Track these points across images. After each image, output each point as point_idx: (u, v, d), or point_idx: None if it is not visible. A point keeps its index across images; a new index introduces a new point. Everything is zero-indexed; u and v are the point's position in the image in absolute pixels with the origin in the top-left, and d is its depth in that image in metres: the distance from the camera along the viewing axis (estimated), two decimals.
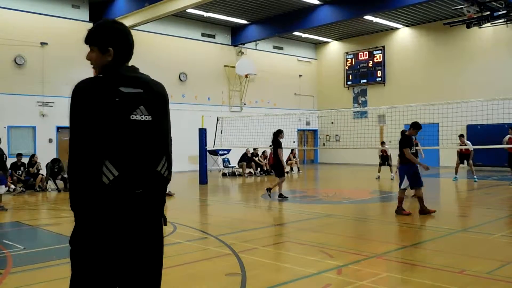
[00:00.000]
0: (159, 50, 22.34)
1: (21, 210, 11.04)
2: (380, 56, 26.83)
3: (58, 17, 19.53)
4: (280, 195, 12.09)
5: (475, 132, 20.69)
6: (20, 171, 15.50)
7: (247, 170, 20.95)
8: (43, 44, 18.99)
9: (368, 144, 17.40)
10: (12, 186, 14.75)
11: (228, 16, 23.30)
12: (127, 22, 19.17)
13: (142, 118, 2.42)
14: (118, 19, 19.28)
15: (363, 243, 7.37)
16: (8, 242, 7.28)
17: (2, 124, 17.66)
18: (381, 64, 26.75)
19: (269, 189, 12.42)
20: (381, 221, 9.49)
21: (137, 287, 2.48)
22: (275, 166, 12.58)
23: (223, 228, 8.82)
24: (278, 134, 12.26)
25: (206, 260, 6.52)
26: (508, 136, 14.94)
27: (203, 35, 24.54)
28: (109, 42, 2.53)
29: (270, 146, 13.09)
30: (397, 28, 26.13)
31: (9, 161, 15.79)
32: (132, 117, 2.39)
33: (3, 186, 10.81)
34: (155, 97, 2.52)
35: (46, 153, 17.42)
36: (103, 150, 2.33)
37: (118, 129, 2.35)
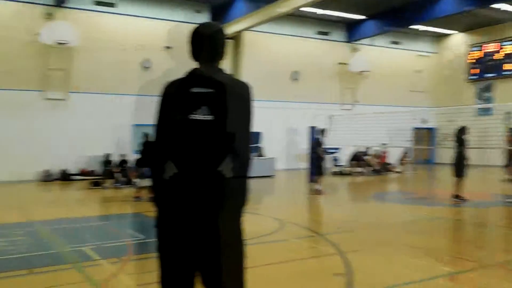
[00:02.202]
0: (273, 50, 22.70)
1: (143, 202, 11.93)
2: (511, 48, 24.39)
3: (181, 22, 20.75)
4: (457, 196, 10.96)
5: None
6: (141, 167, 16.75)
7: (358, 169, 20.45)
8: (167, 48, 20.35)
9: (493, 143, 15.94)
10: (135, 180, 16.01)
11: (344, 12, 22.86)
12: (245, 23, 19.79)
13: (202, 117, 2.46)
14: (236, 21, 20.03)
15: (480, 250, 6.77)
16: (131, 232, 7.92)
17: (128, 123, 19.23)
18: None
19: (457, 196, 11.00)
20: (502, 227, 8.64)
21: (210, 277, 2.55)
22: (456, 165, 11.21)
23: (330, 227, 8.70)
24: (462, 131, 11.23)
25: (312, 258, 6.49)
26: None
27: (318, 33, 24.42)
28: (189, 45, 2.72)
29: (383, 144, 12.55)
30: None
31: (133, 157, 17.22)
32: (192, 116, 2.47)
33: (145, 179, 11.75)
34: (225, 97, 2.51)
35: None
36: (167, 148, 2.50)
37: (179, 128, 2.47)
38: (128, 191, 14.62)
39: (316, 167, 13.19)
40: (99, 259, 6.09)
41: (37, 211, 10.30)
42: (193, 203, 2.46)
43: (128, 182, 16.00)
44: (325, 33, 24.66)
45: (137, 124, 19.25)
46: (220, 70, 2.66)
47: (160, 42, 20.23)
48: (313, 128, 16.92)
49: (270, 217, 9.26)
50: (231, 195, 2.53)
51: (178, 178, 2.47)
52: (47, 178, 17.40)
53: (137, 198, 11.83)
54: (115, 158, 16.88)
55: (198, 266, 2.55)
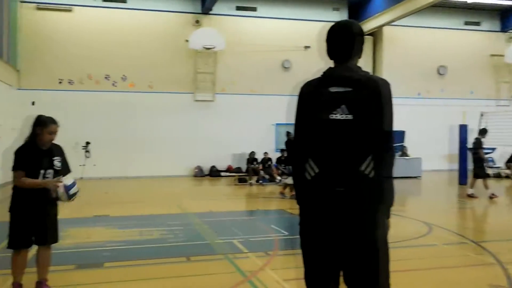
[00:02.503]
0: (417, 44, 21.59)
1: (285, 199, 12.21)
2: None
3: (319, 21, 20.84)
4: None
5: None
6: (283, 165, 17.17)
7: None
8: (306, 47, 20.59)
9: None
10: (279, 178, 16.49)
11: None
12: (385, 18, 19.17)
13: (342, 117, 2.43)
14: (375, 17, 19.51)
15: None
16: (275, 227, 8.16)
17: (270, 122, 19.89)
18: None
19: None
20: None
21: (354, 277, 2.51)
22: None
23: (485, 234, 8.00)
24: None
25: (465, 267, 6.03)
26: None
27: (466, 23, 22.61)
28: (326, 44, 2.70)
29: None
30: None
31: (275, 156, 17.76)
32: (332, 116, 2.44)
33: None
34: (364, 95, 2.44)
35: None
36: (307, 148, 2.50)
37: (318, 128, 2.46)
38: (271, 188, 15.13)
39: (476, 169, 12.08)
40: (247, 252, 6.38)
41: (190, 204, 11.18)
42: (335, 202, 2.45)
43: (272, 180, 16.57)
44: (475, 23, 22.72)
45: (279, 123, 19.82)
46: (358, 68, 2.62)
47: (299, 42, 20.55)
48: (463, 126, 15.75)
49: (416, 220, 8.83)
50: (375, 195, 2.47)
51: (319, 177, 2.48)
52: (198, 174, 18.82)
53: (282, 195, 12.18)
54: (259, 156, 17.58)
55: (342, 265, 2.54)
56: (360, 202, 2.45)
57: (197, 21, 19.51)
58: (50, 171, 4.38)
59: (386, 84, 2.53)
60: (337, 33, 2.66)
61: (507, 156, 18.80)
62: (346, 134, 2.44)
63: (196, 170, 18.98)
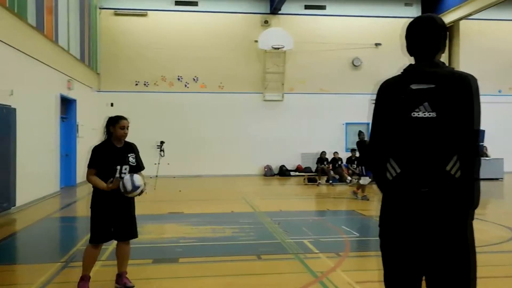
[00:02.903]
0: (498, 38, 20.40)
1: (356, 200, 11.99)
2: None
3: (390, 17, 20.27)
4: None
5: None
6: (355, 165, 16.84)
7: None
8: (377, 45, 20.10)
9: None
10: (349, 178, 16.23)
11: None
12: (460, 12, 18.31)
13: (424, 115, 2.33)
14: (451, 11, 18.69)
15: None
16: (346, 228, 8.03)
17: (340, 121, 19.64)
18: None
19: None
20: None
21: (438, 283, 2.41)
22: None
23: None
24: None
25: None
26: None
27: None
28: (406, 40, 2.58)
29: None
30: None
31: (345, 155, 17.45)
32: (414, 114, 2.35)
33: (367, 177, 12.01)
34: (449, 92, 2.32)
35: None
36: (388, 147, 2.42)
37: (400, 126, 2.38)
38: (341, 188, 14.93)
39: None
40: (318, 252, 6.32)
41: (260, 203, 11.28)
42: (420, 204, 2.36)
43: (342, 180, 16.34)
44: None
45: (349, 123, 19.51)
46: (442, 64, 2.49)
47: (369, 40, 20.11)
48: None
49: (497, 225, 8.33)
50: (462, 197, 2.35)
51: (402, 177, 2.40)
52: (268, 173, 18.97)
53: (355, 194, 11.97)
54: (329, 156, 17.40)
55: (425, 270, 2.44)
56: (447, 204, 2.35)
57: (266, 21, 19.64)
58: (126, 166, 4.59)
59: (473, 80, 2.40)
60: (421, 28, 2.54)
61: None
62: (430, 132, 2.35)
63: (266, 169, 19.14)
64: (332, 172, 16.49)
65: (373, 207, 10.77)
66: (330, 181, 16.20)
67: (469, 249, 2.38)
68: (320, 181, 16.10)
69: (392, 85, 2.51)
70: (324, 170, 16.57)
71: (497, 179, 16.71)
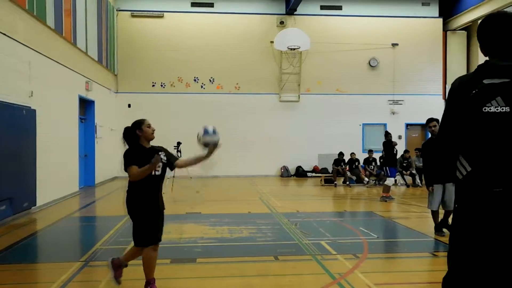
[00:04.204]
0: None
1: (374, 201, 11.92)
2: None
3: (407, 17, 20.11)
4: None
5: None
6: (372, 166, 16.73)
7: None
8: (394, 45, 19.94)
9: None
10: (366, 179, 16.12)
11: None
12: (480, 12, 18.07)
13: (497, 110, 2.22)
14: (469, 10, 18.51)
15: None
16: (364, 230, 7.98)
17: (357, 122, 19.54)
18: None
19: None
20: None
21: None
22: None
23: None
24: None
25: None
26: None
27: None
28: (480, 37, 2.48)
29: None
30: None
31: (362, 156, 17.35)
32: (485, 109, 2.25)
33: (392, 178, 11.91)
34: None
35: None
36: (459, 145, 2.32)
37: (470, 122, 2.27)
38: (358, 189, 14.85)
39: None
40: (336, 254, 6.29)
41: (278, 204, 11.28)
42: (493, 204, 2.23)
43: (359, 181, 16.24)
44: None
45: (366, 123, 19.40)
46: None
47: (386, 40, 19.97)
48: None
49: None
50: None
51: (473, 176, 2.29)
52: (284, 174, 18.95)
53: (384, 198, 11.83)
54: (346, 157, 17.31)
55: (496, 276, 2.30)
56: None
57: (282, 22, 19.64)
58: (160, 164, 4.58)
59: None
60: (492, 25, 2.45)
61: None
62: (503, 128, 2.24)
63: (282, 170, 19.13)
64: (349, 173, 16.41)
65: (392, 208, 10.69)
66: (347, 182, 16.11)
67: None
68: (337, 182, 16.03)
69: (464, 82, 2.42)
70: (340, 171, 16.49)
71: None
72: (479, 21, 17.30)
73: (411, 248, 6.84)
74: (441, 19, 20.22)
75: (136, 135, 4.60)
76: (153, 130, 4.67)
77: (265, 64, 19.59)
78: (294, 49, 19.02)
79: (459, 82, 2.44)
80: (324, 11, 20.03)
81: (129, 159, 4.48)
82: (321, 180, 16.54)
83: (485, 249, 2.26)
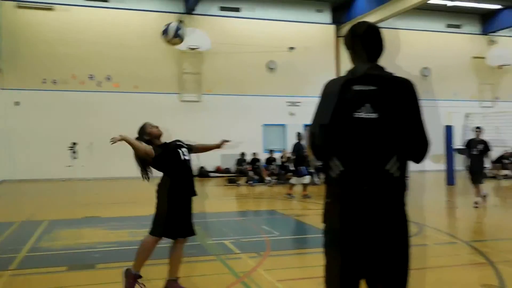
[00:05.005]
0: (401, 46, 21.79)
1: (276, 200, 12.23)
2: None
3: (303, 22, 20.96)
4: None
5: None
6: (273, 166, 17.17)
7: (503, 172, 18.74)
8: (291, 48, 20.65)
9: None
10: (268, 178, 16.49)
11: (477, 3, 21.21)
12: (369, 20, 19.29)
13: (366, 115, 2.40)
14: (360, 18, 19.68)
15: None
16: (266, 228, 8.14)
17: (258, 123, 19.91)
18: None
19: None
20: None
21: (377, 285, 2.48)
22: None
23: (475, 234, 8.10)
24: None
25: (457, 266, 6.08)
26: None
27: (448, 26, 22.95)
28: (347, 44, 2.69)
29: None
30: None
31: (264, 156, 17.74)
32: (355, 114, 2.41)
33: (304, 177, 12.19)
34: (389, 94, 2.43)
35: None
36: (331, 146, 2.46)
37: (343, 126, 2.43)
38: (261, 188, 15.12)
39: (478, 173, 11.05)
40: (239, 253, 6.34)
41: None
42: (362, 201, 2.42)
43: (261, 180, 16.55)
44: (457, 26, 23.12)
45: (267, 124, 19.85)
46: (381, 68, 2.61)
47: (283, 43, 20.60)
48: (449, 127, 15.98)
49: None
50: (400, 195, 2.47)
51: (344, 175, 2.45)
52: None
53: (289, 195, 12.09)
54: (248, 157, 17.56)
55: (365, 269, 2.49)
56: (386, 202, 2.43)
57: (181, 21, 19.38)
58: (185, 149, 5.00)
59: (411, 84, 2.53)
60: (358, 34, 2.66)
61: (495, 157, 19.11)
62: (371, 132, 2.42)
63: None
64: (251, 173, 16.66)
65: (294, 206, 11.03)
66: (250, 182, 16.36)
67: (409, 246, 2.50)
68: (239, 182, 16.19)
69: (336, 85, 2.56)
70: (243, 171, 16.69)
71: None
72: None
73: (311, 244, 7.10)
74: (333, 26, 21.32)
75: (147, 141, 4.87)
76: (157, 127, 5.03)
77: (165, 63, 19.22)
78: (194, 48, 18.89)
79: (331, 85, 2.59)
80: (223, 12, 20.16)
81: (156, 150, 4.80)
82: (225, 180, 16.60)
83: (355, 241, 2.44)
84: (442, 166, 16.67)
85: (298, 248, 7.03)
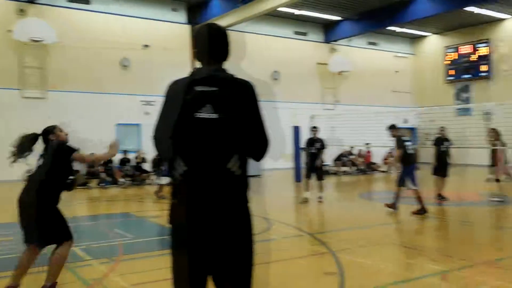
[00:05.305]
0: (252, 49, 22.68)
1: (130, 202, 11.85)
2: (485, 49, 25.03)
3: (159, 20, 20.65)
4: (439, 195, 11.18)
5: None
6: (127, 167, 16.61)
7: (342, 169, 20.67)
8: (145, 46, 20.18)
9: (473, 143, 16.37)
10: (122, 180, 15.88)
11: (321, 13, 23.10)
12: (222, 22, 19.73)
13: (207, 116, 2.47)
14: (214, 20, 19.98)
15: (470, 249, 6.89)
16: (119, 232, 7.85)
17: (111, 122, 19.04)
18: (487, 58, 24.95)
19: (439, 195, 11.19)
20: (489, 225, 8.89)
21: (223, 281, 2.55)
22: (437, 165, 11.52)
23: (319, 226, 8.78)
24: (441, 131, 11.71)
25: (302, 258, 6.54)
26: None
27: (295, 33, 24.57)
28: (194, 44, 2.74)
29: (367, 144, 12.59)
30: (503, 19, 24.22)
31: (117, 157, 17.03)
32: (197, 115, 2.48)
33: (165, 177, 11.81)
34: (229, 95, 2.52)
35: (150, 149, 18.51)
36: (175, 147, 2.50)
37: (185, 126, 2.48)
38: (114, 191, 14.50)
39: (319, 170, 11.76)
40: (90, 259, 6.06)
41: None
42: (205, 200, 2.47)
43: (114, 182, 15.87)
44: (303, 33, 24.86)
45: (120, 124, 19.07)
46: (224, 70, 2.69)
47: (138, 41, 20.05)
48: (296, 128, 17.06)
49: (257, 217, 9.27)
50: (243, 194, 2.56)
51: (188, 175, 2.48)
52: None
53: (160, 197, 11.81)
54: None
55: (211, 265, 2.54)
56: (228, 200, 2.49)
57: (22, 10, 17.72)
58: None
59: (251, 85, 2.62)
60: (205, 35, 2.70)
61: (336, 155, 20.95)
62: (212, 132, 2.47)
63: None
64: (104, 175, 15.89)
65: (148, 208, 10.81)
66: (102, 184, 15.58)
67: (251, 240, 2.59)
68: (90, 185, 15.33)
69: (179, 86, 2.57)
70: (94, 172, 15.84)
71: (256, 175, 18.58)
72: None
73: (165, 245, 7.01)
74: (189, 26, 21.37)
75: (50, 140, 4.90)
76: (66, 133, 5.06)
77: (2, 55, 17.33)
78: (37, 41, 17.37)
79: (174, 86, 2.63)
80: (71, 3, 18.87)
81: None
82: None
83: (199, 240, 2.49)
84: (290, 164, 17.75)
85: (152, 250, 6.89)
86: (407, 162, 9.65)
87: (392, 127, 10.12)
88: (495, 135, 11.91)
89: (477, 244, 7.30)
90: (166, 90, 2.64)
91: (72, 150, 4.90)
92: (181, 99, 2.51)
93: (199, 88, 2.52)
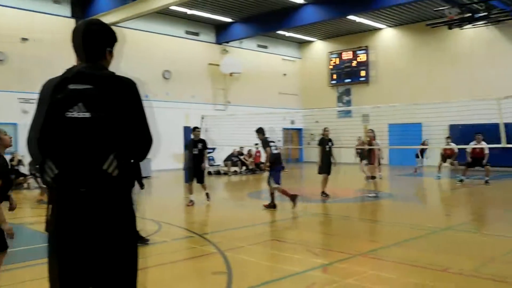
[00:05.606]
0: (143, 47, 22.12)
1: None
2: (364, 56, 27.04)
3: (39, 12, 19.25)
4: (323, 193, 12.11)
5: (457, 132, 20.86)
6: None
7: (232, 169, 20.95)
8: (24, 39, 18.71)
9: (353, 143, 17.55)
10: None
11: (212, 14, 23.23)
12: (110, 18, 18.98)
13: (79, 115, 2.36)
14: (100, 15, 19.15)
15: (348, 242, 7.39)
16: None
17: None
18: (365, 64, 26.97)
19: (323, 192, 12.16)
20: (365, 219, 9.58)
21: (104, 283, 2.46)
22: (321, 164, 12.37)
23: (208, 226, 8.80)
24: (324, 131, 12.55)
25: (191, 258, 6.53)
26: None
27: (187, 32, 24.43)
28: (72, 41, 2.63)
29: (256, 144, 12.95)
30: (380, 29, 26.36)
31: None
32: (68, 114, 2.36)
33: None
34: (105, 93, 2.41)
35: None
36: (46, 148, 2.36)
37: (55, 127, 2.36)
38: None
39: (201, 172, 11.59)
40: None
41: None
42: (80, 204, 2.35)
43: None
44: (195, 33, 24.81)
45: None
46: (102, 68, 2.58)
47: (16, 33, 18.52)
48: (187, 128, 16.93)
49: (146, 219, 9.06)
50: (121, 195, 2.46)
51: (60, 178, 2.34)
52: None
53: (40, 201, 11.07)
54: None
55: (90, 276, 2.43)
56: (105, 203, 2.39)
57: None
58: None
59: (132, 83, 2.53)
60: (81, 32, 2.58)
61: (227, 155, 21.16)
62: (85, 132, 2.35)
63: None
64: None
65: (26, 214, 10.04)
66: None
67: (133, 245, 2.50)
68: None
69: (52, 84, 2.43)
70: None
71: (146, 177, 18.13)
72: (118, 29, 18.31)
73: (45, 254, 6.55)
74: (73, 20, 20.20)
75: None
76: (10, 138, 4.78)
77: None
78: None
79: (48, 85, 2.51)
80: None
81: None
82: None
83: (75, 247, 2.38)
84: (181, 165, 17.60)
85: (31, 259, 6.41)
86: (274, 162, 10.59)
87: (260, 131, 10.86)
88: (372, 136, 12.91)
89: (354, 237, 7.84)
90: (40, 89, 2.50)
91: None
92: (49, 98, 2.37)
93: (72, 86, 2.39)
